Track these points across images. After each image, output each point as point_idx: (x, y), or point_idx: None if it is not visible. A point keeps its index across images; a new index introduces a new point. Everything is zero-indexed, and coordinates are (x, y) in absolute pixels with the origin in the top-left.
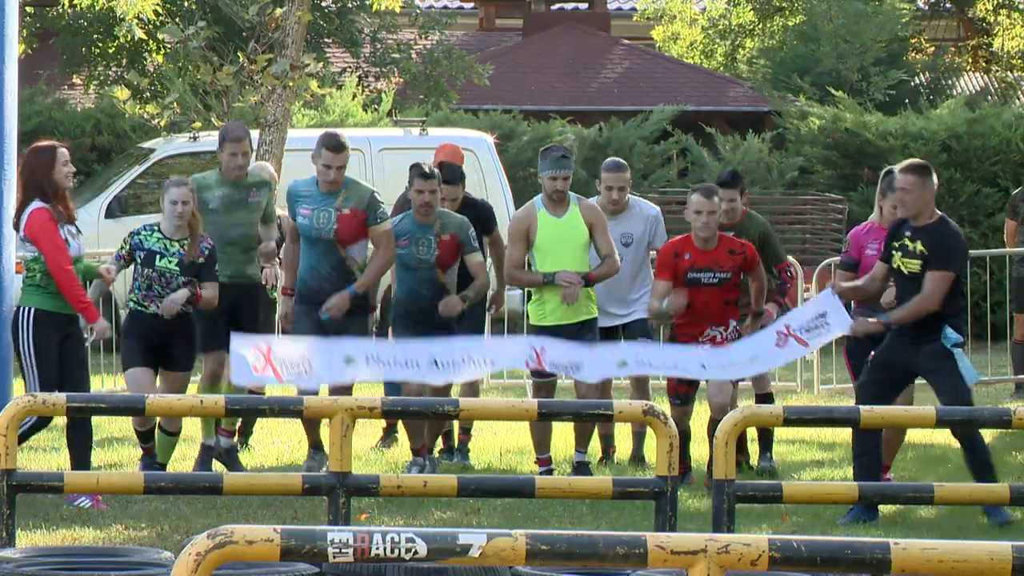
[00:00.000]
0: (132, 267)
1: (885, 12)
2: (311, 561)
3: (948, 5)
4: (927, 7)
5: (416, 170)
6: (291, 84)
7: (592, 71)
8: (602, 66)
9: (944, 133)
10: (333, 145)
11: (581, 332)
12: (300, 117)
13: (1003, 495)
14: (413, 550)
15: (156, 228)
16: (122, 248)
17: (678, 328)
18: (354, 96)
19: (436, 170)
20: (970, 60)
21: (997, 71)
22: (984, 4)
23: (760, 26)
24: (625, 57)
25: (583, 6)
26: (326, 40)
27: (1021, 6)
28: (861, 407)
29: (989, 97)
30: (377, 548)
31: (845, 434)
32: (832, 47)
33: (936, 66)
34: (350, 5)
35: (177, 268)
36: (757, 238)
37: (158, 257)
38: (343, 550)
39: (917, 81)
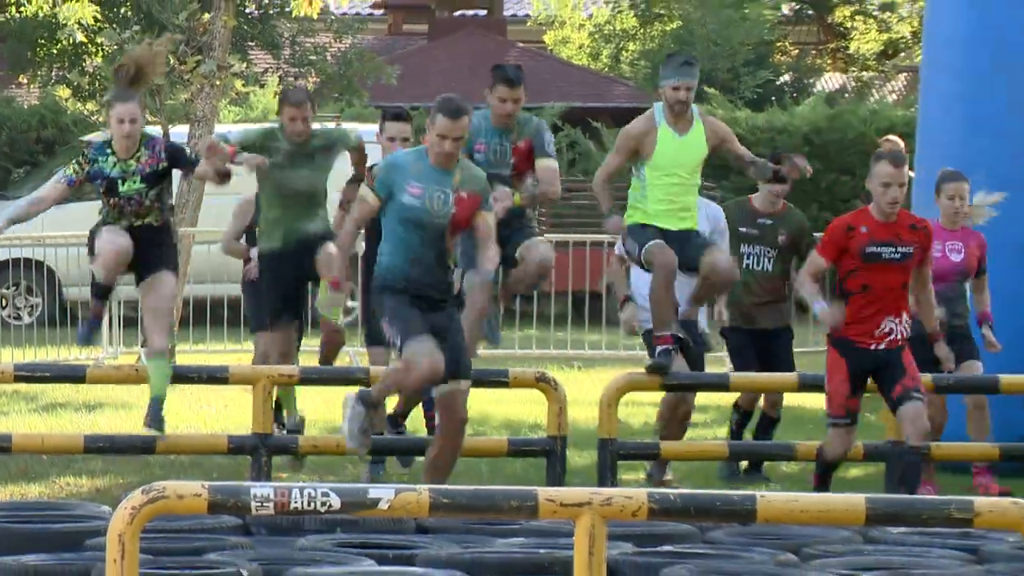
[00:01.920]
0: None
1: (752, 18)
2: (235, 514)
3: (809, 12)
4: (791, 13)
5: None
6: (218, 83)
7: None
8: (479, 57)
9: (806, 127)
10: (451, 110)
11: (682, 237)
12: (226, 113)
13: (857, 452)
14: (328, 503)
15: (109, 149)
16: (76, 172)
17: (849, 324)
18: (275, 94)
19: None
20: (829, 61)
21: (853, 71)
22: (842, 10)
23: (641, 31)
24: (520, 59)
25: (482, 13)
26: (249, 43)
27: (875, 13)
28: (730, 373)
29: (846, 95)
30: (295, 502)
31: (719, 398)
32: (705, 50)
33: (799, 67)
34: (271, 11)
35: (143, 184)
36: (796, 231)
37: (120, 183)
38: (265, 504)
39: (782, 80)
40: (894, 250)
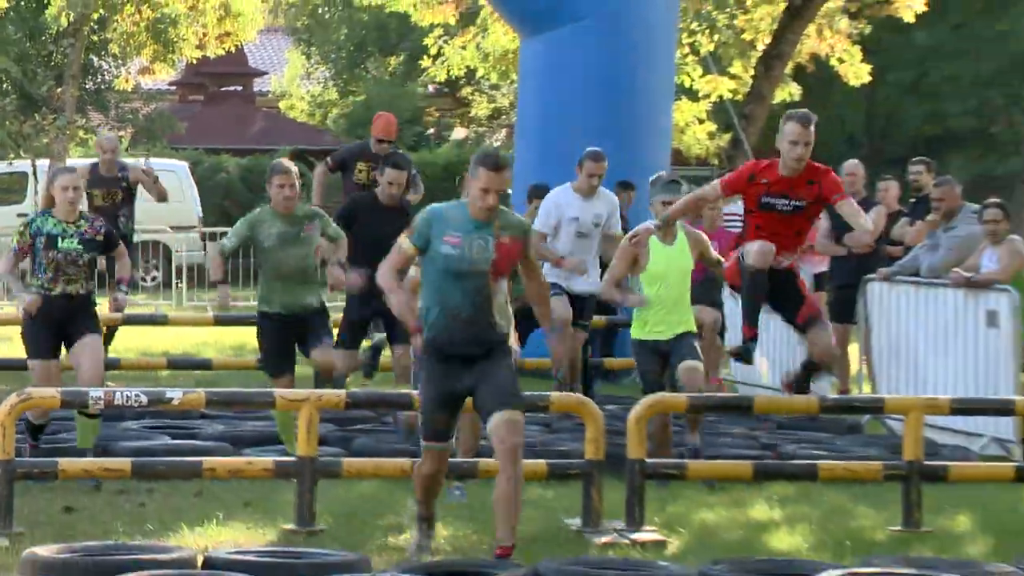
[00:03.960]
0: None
1: (409, 95)
2: (78, 408)
3: (445, 89)
4: (434, 91)
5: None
6: (67, 132)
7: (246, 126)
8: (252, 123)
9: (444, 162)
10: (494, 163)
11: (678, 342)
12: (73, 151)
13: None
14: (139, 401)
15: (49, 215)
16: (21, 239)
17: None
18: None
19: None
20: (457, 121)
21: (473, 127)
22: (466, 89)
23: (341, 100)
24: (264, 118)
25: (240, 88)
26: (89, 106)
27: (487, 90)
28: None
29: (468, 142)
30: (118, 400)
31: None
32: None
33: (439, 124)
34: (102, 87)
35: (80, 246)
36: None
37: (60, 239)
38: (98, 402)
39: (429, 132)
40: (787, 202)
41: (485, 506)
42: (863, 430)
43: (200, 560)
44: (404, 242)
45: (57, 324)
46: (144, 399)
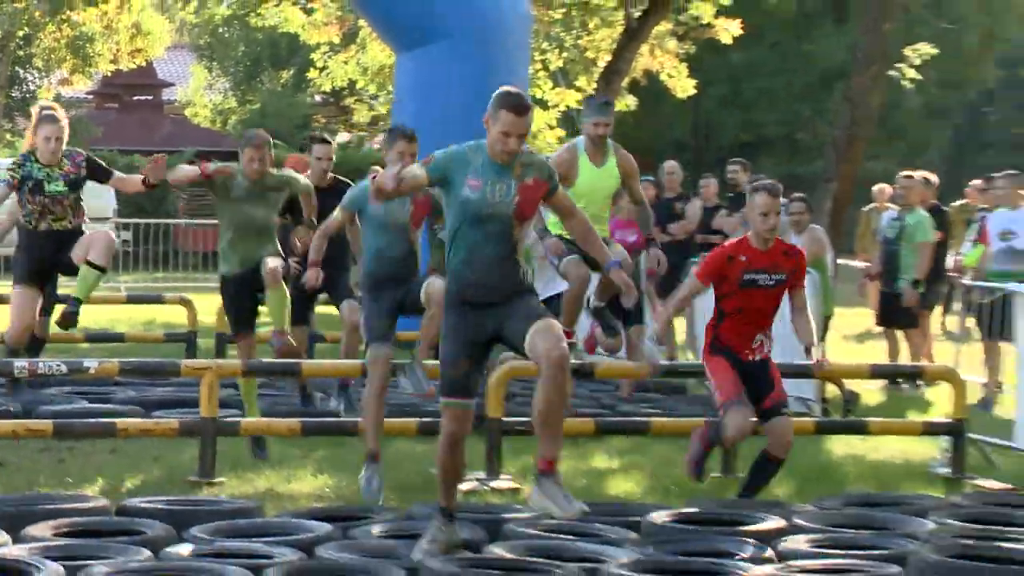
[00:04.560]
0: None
1: (299, 103)
2: (7, 378)
3: (331, 99)
4: (321, 100)
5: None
6: None
7: (154, 130)
8: (160, 128)
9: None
10: (516, 105)
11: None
12: (1, 152)
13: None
14: (60, 370)
15: (33, 158)
16: (13, 176)
17: (725, 334)
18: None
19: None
20: (342, 126)
21: (355, 132)
22: (348, 98)
23: (240, 108)
24: (171, 124)
25: (150, 97)
26: (15, 112)
27: (367, 100)
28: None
29: (351, 144)
30: (41, 370)
31: None
32: (274, 119)
33: (325, 128)
34: (27, 95)
35: (66, 188)
36: None
37: (46, 183)
38: (22, 371)
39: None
40: (768, 277)
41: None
42: (688, 391)
43: (114, 508)
44: (417, 167)
45: (41, 259)
46: (64, 368)
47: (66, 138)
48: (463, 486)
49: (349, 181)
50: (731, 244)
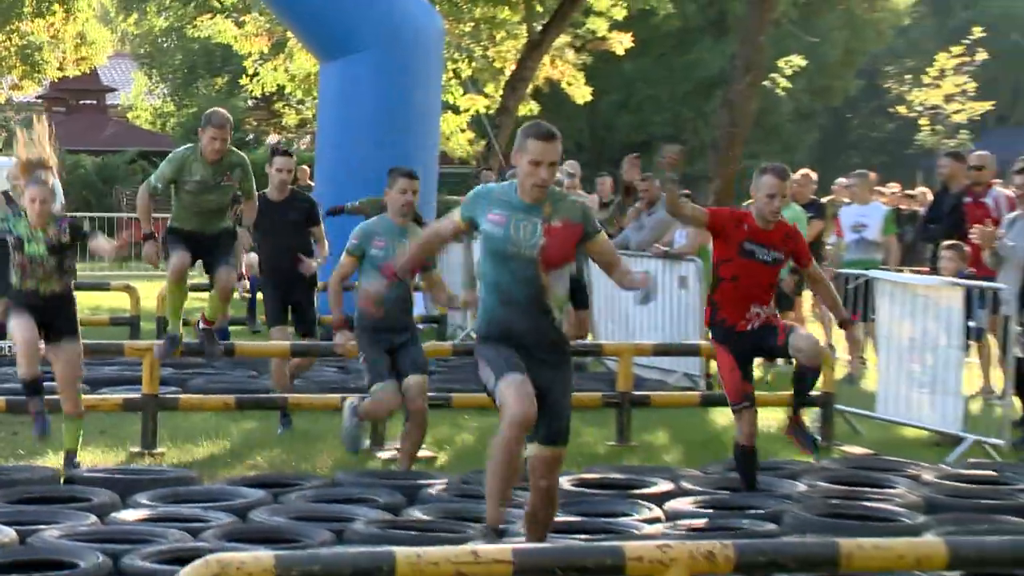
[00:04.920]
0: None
1: (232, 107)
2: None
3: (261, 103)
4: (253, 104)
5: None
6: None
7: (99, 132)
8: (104, 130)
9: (262, 162)
10: (544, 133)
11: None
12: None
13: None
14: (14, 351)
15: (23, 214)
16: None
17: (720, 301)
18: None
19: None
20: (272, 128)
21: (282, 134)
22: (277, 103)
23: (178, 112)
24: (114, 126)
25: (95, 101)
26: None
27: (294, 104)
28: None
29: (281, 144)
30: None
31: None
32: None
33: (256, 130)
34: None
35: (46, 251)
36: None
37: (26, 243)
38: None
39: (250, 138)
40: (767, 252)
41: (298, 435)
42: (587, 368)
43: (62, 477)
44: (443, 222)
45: (32, 314)
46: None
47: (53, 201)
48: (383, 454)
49: (306, 194)
50: (740, 210)
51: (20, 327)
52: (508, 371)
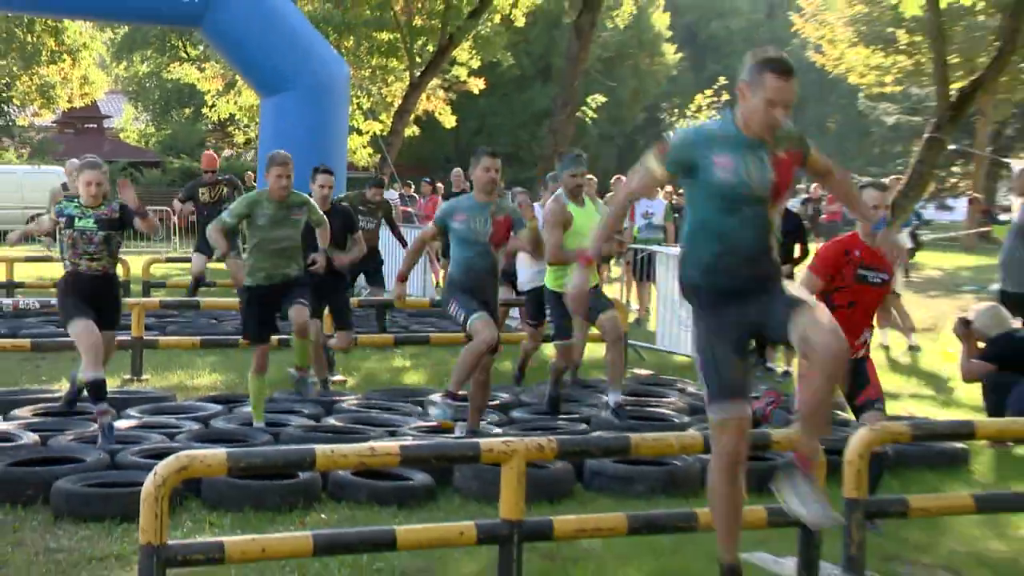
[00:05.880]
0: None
1: (197, 130)
2: None
3: (218, 127)
4: (212, 127)
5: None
6: None
7: (99, 147)
8: (103, 146)
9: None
10: (783, 68)
11: (593, 294)
12: None
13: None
14: (34, 306)
15: (76, 199)
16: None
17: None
18: (16, 156)
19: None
20: (227, 145)
21: (236, 148)
22: (230, 127)
23: (157, 133)
24: (110, 143)
25: (95, 125)
26: (1, 135)
27: (243, 128)
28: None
29: (233, 156)
30: (22, 305)
31: None
32: (180, 140)
33: (216, 147)
34: (10, 123)
35: (95, 225)
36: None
37: (77, 219)
38: (8, 306)
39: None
40: (876, 275)
41: (245, 364)
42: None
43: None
44: (652, 163)
45: (85, 296)
46: (37, 304)
47: (105, 184)
48: (336, 377)
49: (342, 204)
50: (845, 238)
51: (83, 332)
52: (726, 398)
